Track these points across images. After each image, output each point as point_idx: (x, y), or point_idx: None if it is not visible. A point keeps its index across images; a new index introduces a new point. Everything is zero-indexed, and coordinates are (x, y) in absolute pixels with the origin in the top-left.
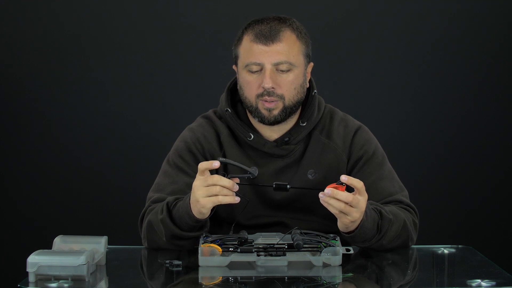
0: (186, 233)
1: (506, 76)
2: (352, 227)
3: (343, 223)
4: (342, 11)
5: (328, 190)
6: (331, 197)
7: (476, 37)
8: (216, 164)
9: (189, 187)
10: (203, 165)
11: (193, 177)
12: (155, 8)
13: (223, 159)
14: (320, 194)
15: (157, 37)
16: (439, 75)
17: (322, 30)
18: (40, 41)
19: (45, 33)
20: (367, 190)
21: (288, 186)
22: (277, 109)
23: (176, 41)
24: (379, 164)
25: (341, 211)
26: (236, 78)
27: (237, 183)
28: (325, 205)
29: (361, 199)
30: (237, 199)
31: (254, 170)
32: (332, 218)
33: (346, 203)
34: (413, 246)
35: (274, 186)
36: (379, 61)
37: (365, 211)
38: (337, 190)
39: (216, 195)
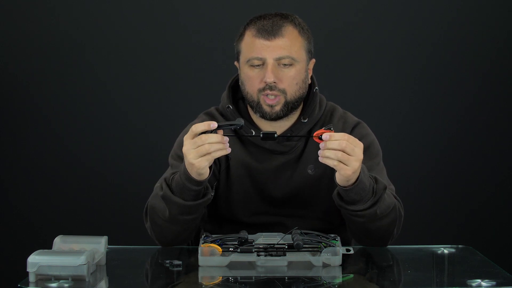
0: (190, 203)
1: (506, 76)
2: (352, 179)
3: (343, 175)
4: (344, 11)
5: (326, 135)
6: (325, 149)
7: (476, 38)
8: (213, 125)
9: None
10: (198, 127)
11: None
12: (155, 8)
13: (219, 123)
14: (320, 146)
15: (157, 37)
16: (441, 74)
17: (323, 30)
18: (41, 41)
19: (45, 34)
20: None
21: (275, 135)
22: (279, 104)
23: (177, 40)
24: (371, 158)
25: (339, 161)
26: (237, 75)
27: (225, 136)
28: (324, 161)
29: (356, 147)
30: (228, 150)
31: (239, 120)
32: (332, 213)
33: (341, 150)
34: (413, 246)
35: (261, 135)
36: (379, 61)
37: (362, 168)
38: (331, 134)
39: (208, 152)
